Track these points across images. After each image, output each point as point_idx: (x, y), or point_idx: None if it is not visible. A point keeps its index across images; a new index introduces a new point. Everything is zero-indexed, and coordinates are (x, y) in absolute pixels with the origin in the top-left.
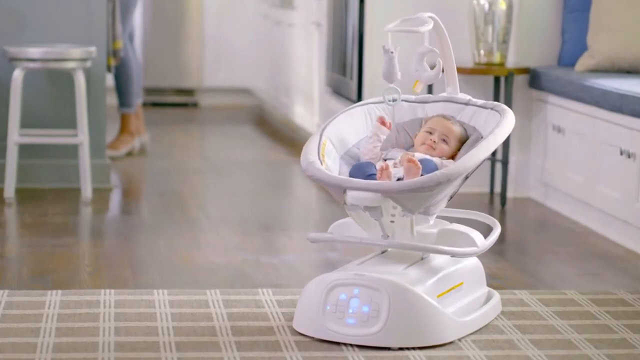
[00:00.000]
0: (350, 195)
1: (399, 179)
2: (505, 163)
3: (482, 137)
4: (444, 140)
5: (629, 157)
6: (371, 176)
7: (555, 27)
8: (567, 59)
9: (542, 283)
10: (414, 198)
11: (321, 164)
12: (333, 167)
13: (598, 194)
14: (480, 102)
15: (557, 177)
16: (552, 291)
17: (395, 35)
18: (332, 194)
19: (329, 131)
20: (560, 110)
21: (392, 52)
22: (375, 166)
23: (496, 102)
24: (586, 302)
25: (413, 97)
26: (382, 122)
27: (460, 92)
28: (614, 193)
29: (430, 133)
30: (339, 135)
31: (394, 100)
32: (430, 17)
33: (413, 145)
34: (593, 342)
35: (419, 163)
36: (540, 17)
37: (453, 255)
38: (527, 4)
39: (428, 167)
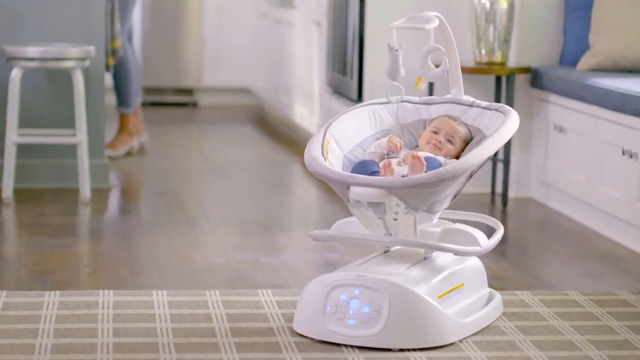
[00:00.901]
0: (354, 191)
1: (402, 177)
2: (506, 163)
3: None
4: (449, 141)
5: (630, 157)
6: (374, 173)
7: (557, 26)
8: (569, 58)
9: (544, 284)
10: (417, 195)
11: (324, 160)
12: (336, 164)
13: (600, 194)
14: (484, 103)
15: (558, 177)
16: (553, 292)
17: (400, 34)
18: (335, 190)
19: (332, 129)
20: (562, 110)
21: (396, 50)
22: (377, 164)
23: (500, 104)
24: (588, 303)
25: (417, 99)
26: (394, 147)
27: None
28: (616, 193)
29: (436, 133)
30: (343, 134)
31: (401, 101)
32: (436, 16)
33: (417, 146)
34: (595, 344)
35: (423, 159)
36: (542, 16)
37: (456, 253)
38: (528, 3)
39: (432, 164)
